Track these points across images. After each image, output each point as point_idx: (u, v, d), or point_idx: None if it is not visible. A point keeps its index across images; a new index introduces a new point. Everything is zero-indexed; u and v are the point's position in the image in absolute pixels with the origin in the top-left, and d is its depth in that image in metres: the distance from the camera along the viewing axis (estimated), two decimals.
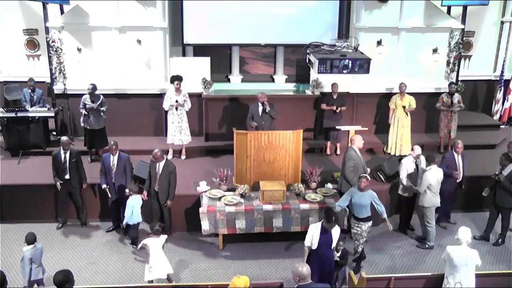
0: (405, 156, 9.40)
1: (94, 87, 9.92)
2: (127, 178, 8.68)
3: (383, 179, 9.48)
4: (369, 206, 7.72)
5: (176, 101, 9.96)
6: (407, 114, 10.65)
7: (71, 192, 8.88)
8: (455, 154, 8.98)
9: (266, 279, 7.70)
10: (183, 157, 10.53)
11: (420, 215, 8.74)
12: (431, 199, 8.43)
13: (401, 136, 10.68)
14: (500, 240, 8.82)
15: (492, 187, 8.63)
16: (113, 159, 8.58)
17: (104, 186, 8.73)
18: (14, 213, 9.11)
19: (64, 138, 8.75)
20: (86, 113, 9.88)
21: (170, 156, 10.37)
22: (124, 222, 8.33)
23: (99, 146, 10.19)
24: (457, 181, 9.06)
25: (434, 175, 8.33)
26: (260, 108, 9.91)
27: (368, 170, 8.73)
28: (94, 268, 7.99)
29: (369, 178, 7.79)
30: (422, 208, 8.55)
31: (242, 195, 8.66)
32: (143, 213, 9.03)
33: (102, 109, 9.97)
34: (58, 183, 8.63)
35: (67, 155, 8.63)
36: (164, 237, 7.45)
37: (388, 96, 11.18)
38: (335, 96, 10.57)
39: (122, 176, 8.62)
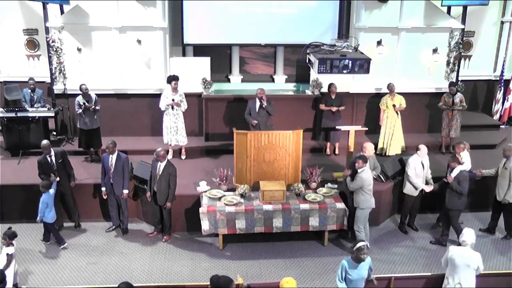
0: (397, 155, 9.44)
1: (87, 87, 9.93)
2: (125, 179, 8.67)
3: (383, 179, 9.47)
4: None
5: (173, 100, 9.95)
6: (397, 114, 10.66)
7: (63, 193, 8.83)
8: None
9: (266, 279, 7.70)
10: (183, 157, 10.53)
11: (352, 219, 8.42)
12: (368, 201, 8.16)
13: (391, 136, 10.69)
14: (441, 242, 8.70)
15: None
16: (112, 159, 8.58)
17: (103, 189, 8.76)
18: (14, 213, 9.11)
19: (44, 141, 8.66)
20: (82, 113, 9.88)
21: (170, 156, 10.35)
22: (38, 219, 8.18)
23: (96, 146, 10.21)
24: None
25: (368, 176, 8.09)
26: (258, 104, 9.95)
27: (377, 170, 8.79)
28: (94, 268, 7.99)
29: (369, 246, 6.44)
30: (357, 210, 8.21)
31: (242, 195, 8.66)
32: (145, 213, 9.06)
33: (97, 108, 9.98)
34: (53, 177, 8.55)
35: (53, 157, 8.59)
36: (10, 248, 6.96)
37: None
38: (333, 96, 10.58)
39: (120, 176, 8.61)
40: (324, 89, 11.13)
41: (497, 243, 8.89)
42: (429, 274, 6.92)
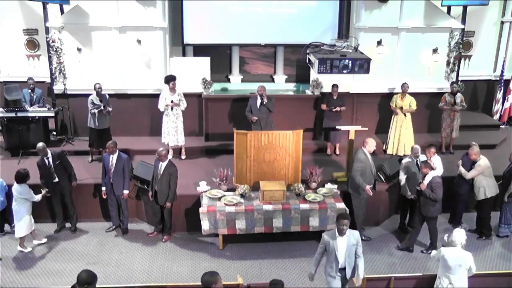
0: (404, 156, 9.41)
1: (100, 87, 9.94)
2: (125, 179, 8.68)
3: (383, 179, 9.48)
4: None
5: (172, 101, 9.96)
6: (405, 115, 10.66)
7: (62, 195, 8.81)
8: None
9: (266, 279, 7.68)
10: (183, 157, 10.53)
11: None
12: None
13: (399, 136, 10.68)
14: (430, 250, 8.34)
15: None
16: (112, 159, 8.59)
17: (103, 189, 8.76)
18: None
19: (39, 144, 8.61)
20: (96, 113, 9.89)
21: (170, 156, 10.34)
22: None
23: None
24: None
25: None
26: (259, 101, 9.99)
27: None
28: (94, 268, 7.93)
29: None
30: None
31: (242, 195, 8.66)
32: (146, 213, 9.03)
33: (109, 109, 10.00)
34: (45, 191, 8.51)
35: (50, 159, 8.58)
36: None
37: (390, 96, 11.15)
38: (335, 97, 10.59)
39: (120, 177, 8.62)
40: (325, 89, 11.16)
41: (496, 243, 8.89)
42: (429, 274, 6.91)
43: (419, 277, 6.75)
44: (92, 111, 9.91)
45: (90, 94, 10.03)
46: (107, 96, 10.11)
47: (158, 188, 8.42)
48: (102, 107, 9.85)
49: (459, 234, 6.32)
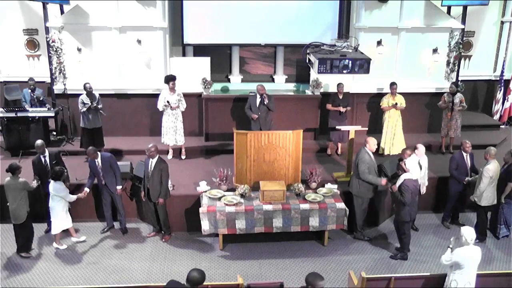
0: (399, 154, 9.43)
1: (91, 86, 9.94)
2: (117, 176, 8.68)
3: None
4: None
5: (168, 102, 9.93)
6: (399, 114, 10.66)
7: None
8: (464, 154, 8.97)
9: (266, 279, 7.70)
10: (183, 157, 10.53)
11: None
12: None
13: (393, 136, 10.69)
14: (398, 254, 8.41)
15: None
16: (98, 163, 8.58)
17: (86, 189, 8.63)
18: None
19: (38, 142, 8.60)
20: (85, 111, 9.89)
21: (170, 156, 10.38)
22: None
23: (98, 145, 10.18)
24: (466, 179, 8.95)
25: None
26: (258, 100, 10.01)
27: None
28: (94, 268, 7.99)
29: None
30: None
31: (242, 195, 8.65)
32: (145, 213, 9.00)
33: (99, 106, 9.99)
34: (35, 181, 8.32)
35: (47, 158, 8.59)
36: None
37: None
38: (340, 96, 10.58)
39: (111, 176, 8.63)
40: (325, 89, 11.15)
41: (496, 243, 8.89)
42: (429, 274, 6.90)
43: (420, 277, 6.74)
44: (82, 110, 9.92)
45: None
46: (97, 95, 10.07)
47: (150, 185, 8.41)
48: (90, 104, 9.84)
49: (469, 231, 6.23)
